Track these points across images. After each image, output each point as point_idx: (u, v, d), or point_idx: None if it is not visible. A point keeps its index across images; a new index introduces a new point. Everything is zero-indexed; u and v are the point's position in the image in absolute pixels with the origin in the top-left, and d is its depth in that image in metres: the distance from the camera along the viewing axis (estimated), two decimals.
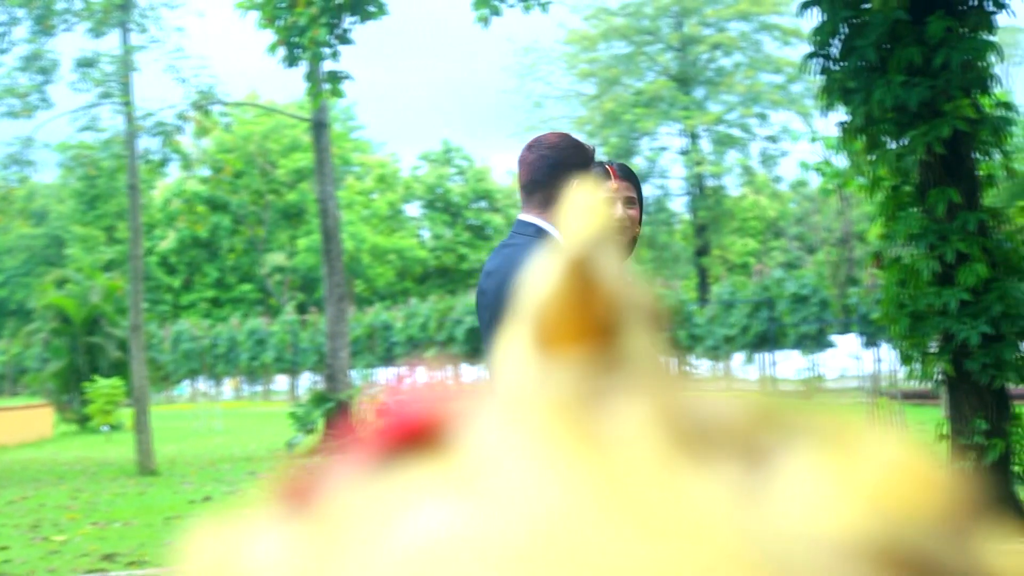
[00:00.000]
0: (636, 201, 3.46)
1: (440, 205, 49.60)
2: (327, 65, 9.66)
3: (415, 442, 0.32)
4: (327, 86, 9.84)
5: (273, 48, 9.49)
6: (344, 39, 9.38)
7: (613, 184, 3.44)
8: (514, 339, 0.37)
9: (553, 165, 3.25)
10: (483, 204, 48.70)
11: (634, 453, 0.29)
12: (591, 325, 0.35)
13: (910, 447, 0.30)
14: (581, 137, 3.48)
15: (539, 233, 3.22)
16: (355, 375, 29.52)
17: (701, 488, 0.28)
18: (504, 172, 49.14)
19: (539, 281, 0.36)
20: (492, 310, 3.17)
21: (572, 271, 0.35)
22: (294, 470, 0.35)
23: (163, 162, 15.40)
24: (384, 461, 0.32)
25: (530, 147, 3.32)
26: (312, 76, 9.78)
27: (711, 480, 0.28)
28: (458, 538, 0.28)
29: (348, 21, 9.35)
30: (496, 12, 9.36)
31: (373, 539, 0.29)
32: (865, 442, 0.29)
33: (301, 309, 44.76)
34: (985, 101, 7.59)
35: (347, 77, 9.79)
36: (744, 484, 0.28)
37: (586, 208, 0.41)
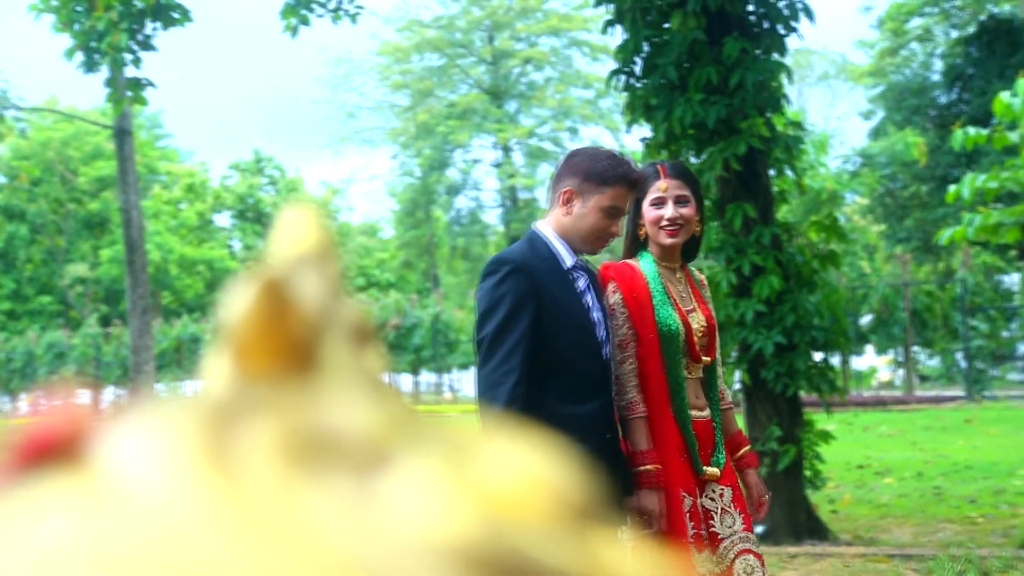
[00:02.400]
0: (690, 200, 3.43)
1: (251, 215, 48.70)
2: (129, 71, 9.37)
3: (51, 456, 0.32)
4: (129, 93, 9.54)
5: (70, 53, 9.15)
6: (146, 45, 9.11)
7: (663, 184, 3.42)
8: (214, 356, 0.37)
9: (560, 172, 3.32)
10: (319, 212, 48.10)
11: (254, 469, 0.29)
12: (284, 343, 0.36)
13: (534, 455, 0.31)
14: (623, 157, 3.39)
15: (529, 236, 3.30)
16: (161, 389, 28.66)
17: (313, 501, 0.28)
18: (317, 182, 48.58)
19: (234, 300, 0.36)
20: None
21: (265, 291, 0.36)
22: None
23: None
24: (21, 475, 0.32)
25: (567, 154, 3.42)
26: (113, 82, 9.47)
27: (324, 493, 0.29)
28: (78, 547, 0.28)
29: (150, 27, 9.09)
30: (304, 22, 9.26)
31: None
32: (484, 451, 0.31)
33: (104, 322, 43.20)
34: (778, 120, 7.93)
35: (150, 84, 9.51)
36: (357, 494, 0.29)
37: (294, 229, 0.41)
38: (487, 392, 3.04)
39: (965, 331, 23.15)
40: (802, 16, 7.73)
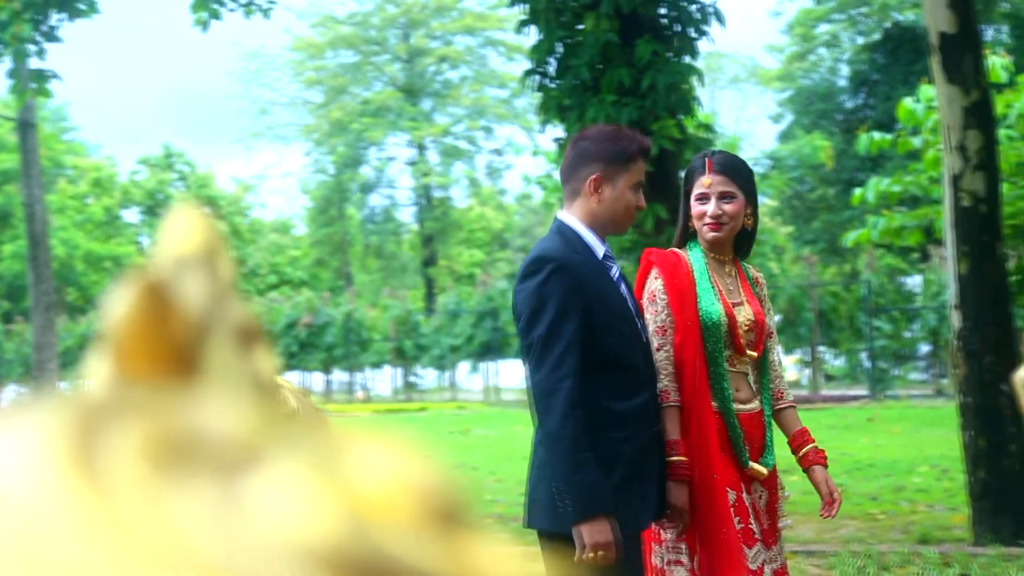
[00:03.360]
0: (736, 195, 3.33)
1: (160, 211, 47.94)
2: (33, 63, 9.16)
3: None
4: (33, 84, 9.33)
5: None
6: (51, 36, 8.92)
7: (706, 180, 3.32)
8: (97, 359, 0.37)
9: (578, 158, 3.15)
10: (206, 211, 47.49)
11: (118, 472, 0.29)
12: (165, 345, 0.35)
13: (404, 457, 0.32)
14: (627, 129, 3.29)
15: (558, 228, 3.14)
16: (66, 387, 28.04)
17: (175, 504, 0.28)
18: (228, 178, 47.98)
19: (115, 302, 0.36)
20: (513, 314, 3.13)
21: (146, 293, 0.35)
22: None
23: None
24: None
25: (572, 140, 3.25)
26: (16, 73, 9.25)
27: (188, 495, 0.29)
28: None
29: (55, 18, 8.89)
30: (216, 16, 9.14)
31: None
32: (354, 453, 0.32)
33: (6, 318, 42.17)
34: (689, 122, 8.03)
35: (54, 76, 9.31)
36: (222, 497, 0.29)
37: (180, 230, 0.41)
38: (543, 399, 2.94)
39: (869, 332, 23.67)
40: (713, 20, 7.84)
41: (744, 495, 3.22)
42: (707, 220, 3.33)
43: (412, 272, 44.51)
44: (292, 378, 29.85)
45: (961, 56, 7.08)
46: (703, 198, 3.34)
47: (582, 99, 7.73)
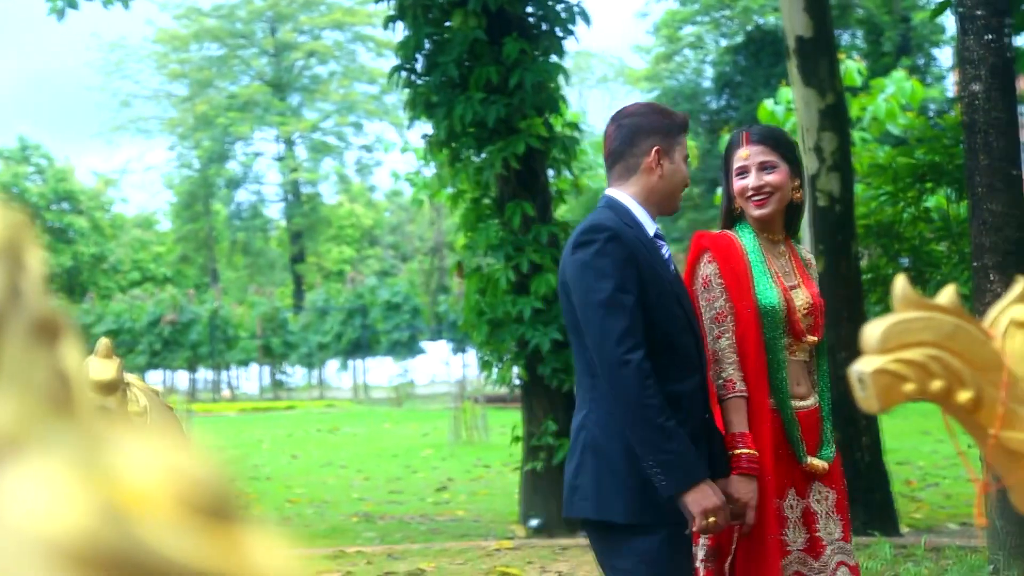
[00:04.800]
0: (778, 165, 3.16)
1: (16, 206, 46.27)
2: None
3: None
4: None
5: None
6: None
7: (743, 152, 3.17)
8: None
9: (632, 134, 3.00)
10: (65, 206, 46.02)
11: None
12: None
13: (170, 452, 0.31)
14: (665, 104, 3.23)
15: (610, 204, 2.99)
16: None
17: None
18: (88, 172, 46.62)
19: None
20: (562, 275, 2.97)
21: None
22: None
23: None
24: None
25: (612, 119, 3.08)
26: None
27: None
28: None
29: None
30: (72, 5, 8.87)
31: None
32: (119, 447, 0.31)
33: None
34: (556, 121, 8.09)
35: None
36: None
37: None
38: (612, 373, 2.74)
39: None
40: (579, 19, 7.91)
41: (786, 503, 3.06)
42: (749, 194, 3.16)
43: (280, 269, 43.91)
44: (156, 377, 29.15)
45: (817, 60, 7.29)
46: (742, 172, 3.18)
47: (450, 96, 7.73)
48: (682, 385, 2.87)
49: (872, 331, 1.17)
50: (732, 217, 3.23)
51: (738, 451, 2.96)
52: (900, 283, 1.18)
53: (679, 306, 2.92)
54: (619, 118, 3.05)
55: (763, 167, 3.14)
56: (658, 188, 2.99)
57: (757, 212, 3.16)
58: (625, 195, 2.99)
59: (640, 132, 2.98)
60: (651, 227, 2.98)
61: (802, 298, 3.17)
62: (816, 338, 3.19)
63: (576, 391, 2.99)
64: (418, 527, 8.45)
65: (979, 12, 4.35)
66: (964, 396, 1.10)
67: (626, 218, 2.93)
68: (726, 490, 2.88)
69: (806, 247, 3.43)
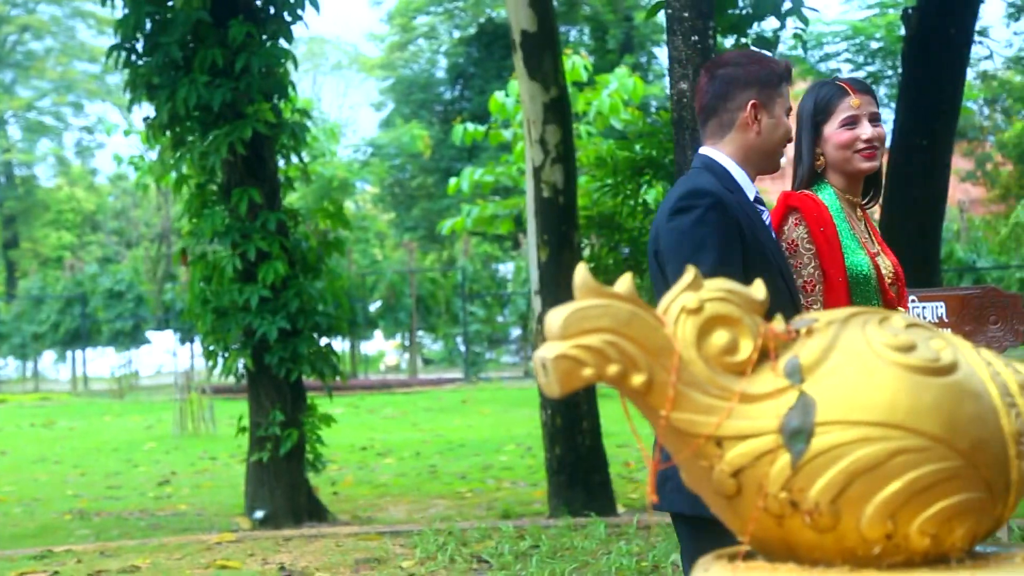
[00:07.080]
0: (879, 117, 2.92)
1: None
2: None
3: None
4: None
5: None
6: None
7: (855, 100, 2.90)
8: None
9: (726, 86, 2.71)
10: None
11: None
12: None
13: None
14: (764, 52, 2.74)
15: (706, 165, 2.71)
16: None
17: None
18: None
19: None
20: (653, 243, 2.68)
21: None
22: None
23: None
24: None
25: (705, 68, 2.78)
26: None
27: None
28: None
29: None
30: None
31: None
32: None
33: None
34: (285, 107, 7.97)
35: None
36: None
37: None
38: None
39: (465, 316, 24.56)
40: (308, 5, 7.81)
41: None
42: (860, 145, 2.92)
43: None
44: None
45: (541, 54, 7.49)
46: (851, 122, 2.92)
47: (173, 78, 7.49)
48: None
49: (554, 318, 1.22)
50: (813, 176, 2.99)
51: None
52: (580, 272, 1.23)
53: (782, 279, 2.71)
54: (713, 68, 2.80)
55: (873, 118, 2.95)
56: (756, 146, 2.75)
57: (867, 165, 2.94)
58: (721, 154, 2.75)
59: (735, 84, 2.73)
60: (751, 191, 2.75)
61: (887, 266, 2.99)
62: (905, 309, 3.02)
63: None
64: (137, 523, 8.17)
65: (686, 14, 4.58)
66: (638, 380, 1.17)
67: (726, 181, 2.70)
68: None
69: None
